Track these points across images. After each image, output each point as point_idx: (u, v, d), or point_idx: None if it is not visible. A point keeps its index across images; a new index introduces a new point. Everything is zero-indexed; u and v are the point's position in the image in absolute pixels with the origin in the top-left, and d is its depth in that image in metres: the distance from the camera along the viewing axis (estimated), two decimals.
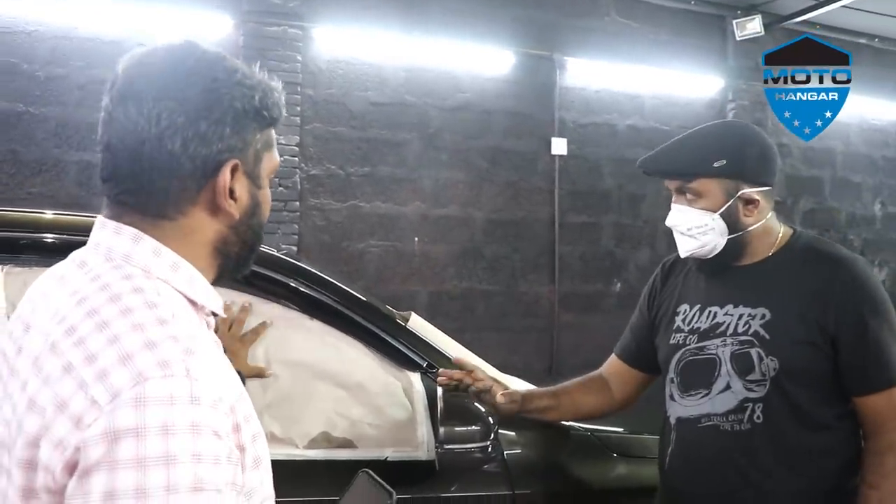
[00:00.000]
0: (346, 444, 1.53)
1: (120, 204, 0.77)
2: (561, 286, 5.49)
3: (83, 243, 0.79)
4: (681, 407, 1.44)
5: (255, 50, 4.49)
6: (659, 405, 1.53)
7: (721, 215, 1.38)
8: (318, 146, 4.83)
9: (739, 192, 1.37)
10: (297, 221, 4.72)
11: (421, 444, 1.53)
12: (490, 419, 1.59)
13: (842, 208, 6.66)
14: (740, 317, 1.39)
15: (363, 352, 1.58)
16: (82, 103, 4.23)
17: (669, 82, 5.82)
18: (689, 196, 1.40)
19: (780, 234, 1.43)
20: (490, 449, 1.58)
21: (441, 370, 1.58)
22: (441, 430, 1.52)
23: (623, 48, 5.63)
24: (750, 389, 1.35)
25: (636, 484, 1.68)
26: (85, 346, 0.66)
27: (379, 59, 4.96)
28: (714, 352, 1.40)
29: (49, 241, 1.43)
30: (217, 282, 0.83)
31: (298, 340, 1.55)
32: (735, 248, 1.40)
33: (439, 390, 1.52)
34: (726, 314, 1.41)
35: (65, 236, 1.43)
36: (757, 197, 1.38)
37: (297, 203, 4.72)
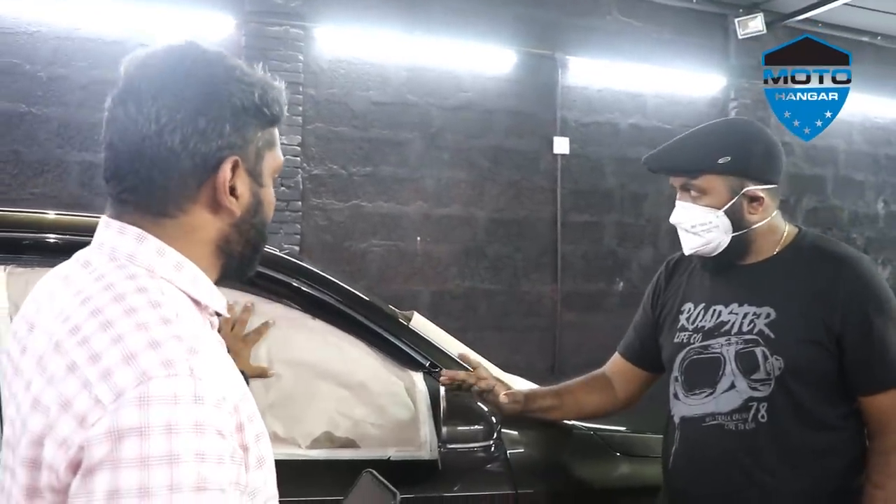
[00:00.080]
0: (349, 443, 1.52)
1: (122, 202, 0.77)
2: (563, 285, 5.49)
3: (86, 244, 0.79)
4: (685, 406, 1.44)
5: (257, 50, 4.49)
6: (662, 404, 1.52)
7: (725, 212, 1.37)
8: (320, 146, 4.83)
9: (744, 190, 1.37)
10: (299, 221, 4.72)
11: (424, 444, 1.53)
12: (493, 419, 1.58)
13: (844, 207, 6.65)
14: (745, 316, 1.38)
15: (366, 351, 1.57)
16: (84, 104, 4.23)
17: (671, 81, 5.81)
18: (693, 193, 1.40)
19: (785, 233, 1.42)
20: (493, 448, 1.58)
21: (444, 370, 1.58)
22: (444, 429, 1.51)
23: (625, 47, 5.62)
24: (754, 389, 1.34)
25: (639, 483, 1.68)
26: (89, 346, 0.66)
27: (381, 59, 4.96)
28: (719, 351, 1.39)
29: (51, 241, 1.42)
30: (221, 282, 0.83)
31: (301, 340, 1.55)
32: (739, 245, 1.40)
33: (442, 390, 1.51)
34: (731, 313, 1.40)
35: (67, 237, 1.42)
36: (762, 194, 1.37)
37: (300, 203, 4.72)
